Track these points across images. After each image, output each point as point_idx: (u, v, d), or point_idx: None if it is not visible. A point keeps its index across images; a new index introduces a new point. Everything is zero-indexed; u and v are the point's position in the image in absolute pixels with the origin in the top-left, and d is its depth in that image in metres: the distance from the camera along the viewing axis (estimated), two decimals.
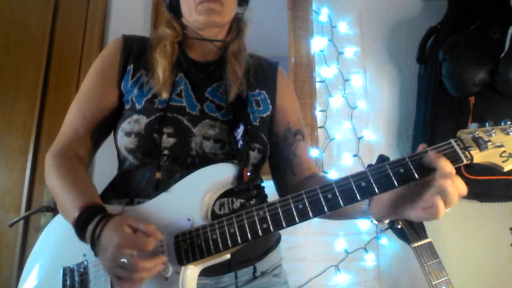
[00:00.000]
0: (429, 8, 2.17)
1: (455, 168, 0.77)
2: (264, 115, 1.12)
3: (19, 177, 1.96)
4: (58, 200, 0.98)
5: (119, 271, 0.78)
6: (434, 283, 1.47)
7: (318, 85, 2.11)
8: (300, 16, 2.19)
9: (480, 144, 0.79)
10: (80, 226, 0.86)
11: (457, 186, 0.74)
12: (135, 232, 0.82)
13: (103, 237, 0.82)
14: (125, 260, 0.76)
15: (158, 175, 0.96)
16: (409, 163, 0.79)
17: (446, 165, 0.74)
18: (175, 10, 1.14)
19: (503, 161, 0.79)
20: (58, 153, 1.02)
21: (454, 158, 0.78)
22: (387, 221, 0.89)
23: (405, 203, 0.80)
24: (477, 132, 0.81)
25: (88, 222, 0.85)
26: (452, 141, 0.81)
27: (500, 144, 0.80)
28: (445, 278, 1.48)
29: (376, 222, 0.88)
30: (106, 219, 0.84)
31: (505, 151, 0.79)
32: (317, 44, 2.16)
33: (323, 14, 2.19)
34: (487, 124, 0.83)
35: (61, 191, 0.95)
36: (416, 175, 0.78)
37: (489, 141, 0.80)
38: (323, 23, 2.19)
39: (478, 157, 0.80)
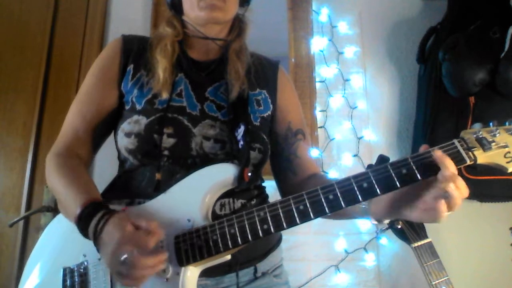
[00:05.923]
0: (429, 8, 2.17)
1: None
2: (265, 114, 1.11)
3: (19, 177, 1.96)
4: (59, 198, 0.98)
5: (120, 267, 0.78)
6: (434, 283, 1.47)
7: (318, 85, 2.11)
8: (300, 16, 2.19)
9: (484, 144, 0.78)
10: (83, 222, 0.86)
11: (460, 190, 0.73)
12: (137, 229, 0.81)
13: (105, 233, 0.82)
14: (126, 257, 0.76)
15: (158, 175, 0.96)
16: (412, 163, 0.78)
17: (450, 166, 0.74)
18: (176, 7, 1.13)
19: (507, 162, 0.78)
20: (58, 154, 1.02)
21: (457, 159, 0.78)
22: (386, 221, 0.88)
23: (405, 203, 0.80)
24: (481, 132, 0.80)
25: (90, 218, 0.85)
26: (455, 141, 0.80)
27: (504, 144, 0.79)
28: (445, 278, 1.48)
29: (375, 222, 0.88)
30: (109, 215, 0.85)
31: (509, 152, 0.78)
32: (317, 44, 2.16)
33: (323, 14, 2.19)
34: (491, 124, 0.81)
35: (63, 189, 0.95)
36: (418, 176, 0.77)
37: (493, 141, 0.79)
38: (323, 23, 2.19)
39: (482, 157, 0.79)
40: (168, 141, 0.98)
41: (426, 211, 0.77)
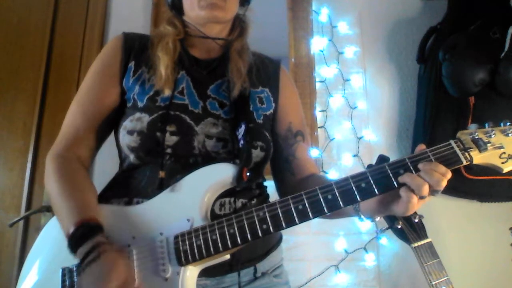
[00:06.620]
0: (429, 8, 2.17)
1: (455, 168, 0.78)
2: (267, 112, 1.11)
3: (19, 177, 1.96)
4: (54, 207, 0.96)
5: None
6: (434, 283, 1.47)
7: (318, 85, 2.11)
8: (300, 16, 2.19)
9: (480, 145, 0.80)
10: (73, 242, 0.85)
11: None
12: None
13: (91, 269, 0.80)
14: None
15: (162, 173, 0.95)
16: (409, 164, 0.80)
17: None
18: (177, 7, 1.13)
19: (502, 163, 0.80)
20: (58, 155, 1.00)
21: (453, 159, 0.79)
22: (378, 219, 0.90)
23: (392, 199, 0.82)
24: (477, 133, 0.82)
25: (81, 242, 0.84)
26: (452, 142, 0.82)
27: (499, 145, 0.81)
28: (445, 278, 1.48)
29: (363, 217, 0.89)
30: (101, 249, 0.82)
31: (504, 153, 0.80)
32: (317, 44, 2.16)
33: (323, 14, 2.19)
34: (487, 125, 0.83)
35: (59, 199, 0.93)
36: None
37: (489, 142, 0.81)
38: (323, 23, 2.19)
39: (478, 158, 0.80)
40: (171, 139, 0.97)
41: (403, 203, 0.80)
